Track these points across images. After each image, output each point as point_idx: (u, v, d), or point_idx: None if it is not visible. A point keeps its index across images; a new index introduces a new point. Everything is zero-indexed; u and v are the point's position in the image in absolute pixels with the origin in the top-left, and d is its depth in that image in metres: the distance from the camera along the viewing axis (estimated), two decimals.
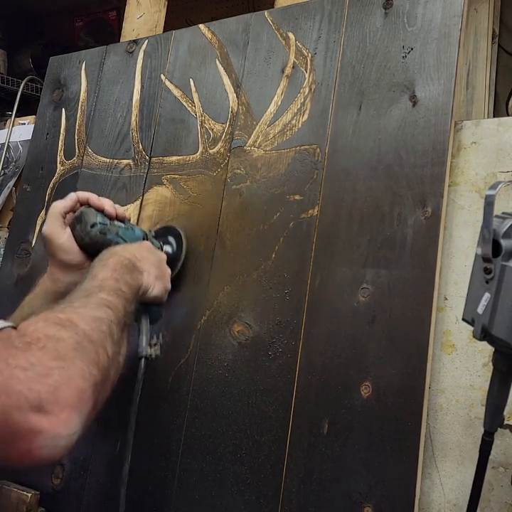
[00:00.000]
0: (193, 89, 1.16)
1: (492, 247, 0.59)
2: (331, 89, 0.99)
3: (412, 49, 0.93)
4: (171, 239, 1.06)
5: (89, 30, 2.39)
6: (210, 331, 1.01)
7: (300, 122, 1.01)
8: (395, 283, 0.87)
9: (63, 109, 1.35)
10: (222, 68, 1.13)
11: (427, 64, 0.91)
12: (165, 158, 1.16)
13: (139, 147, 1.21)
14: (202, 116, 1.13)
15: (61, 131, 1.34)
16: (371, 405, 0.85)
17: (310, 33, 1.04)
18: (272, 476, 0.90)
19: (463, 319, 0.65)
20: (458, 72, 0.89)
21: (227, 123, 1.10)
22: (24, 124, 1.68)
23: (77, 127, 1.32)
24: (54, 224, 0.92)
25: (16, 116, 1.72)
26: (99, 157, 1.26)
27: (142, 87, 1.24)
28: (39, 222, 1.31)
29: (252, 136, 1.06)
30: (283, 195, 1.00)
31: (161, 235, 1.06)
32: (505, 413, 0.66)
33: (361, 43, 0.98)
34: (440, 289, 0.87)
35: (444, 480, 0.84)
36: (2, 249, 1.44)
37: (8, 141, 1.67)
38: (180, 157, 1.14)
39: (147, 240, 1.01)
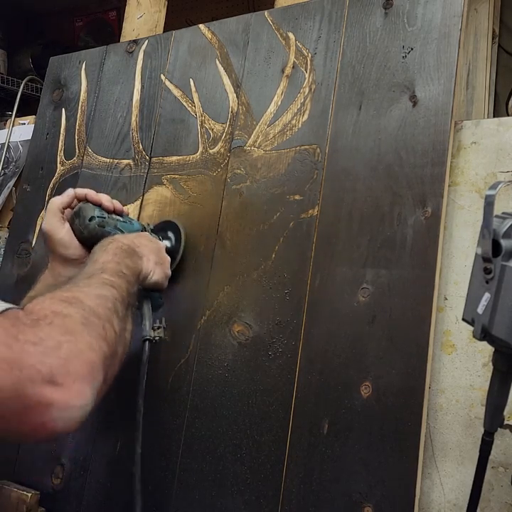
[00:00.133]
0: (193, 89, 1.16)
1: (492, 247, 0.59)
2: (331, 89, 0.99)
3: (412, 49, 0.93)
4: (169, 234, 1.07)
5: (89, 30, 2.39)
6: (210, 331, 1.01)
7: (300, 122, 1.01)
8: (395, 283, 0.87)
9: (63, 109, 1.35)
10: (222, 68, 1.13)
11: (427, 64, 0.91)
12: (165, 158, 1.16)
13: (139, 147, 1.21)
14: (202, 116, 1.13)
15: (61, 131, 1.34)
16: (371, 405, 0.85)
17: (310, 33, 1.04)
18: (272, 476, 0.90)
19: (463, 319, 0.65)
20: (458, 72, 0.89)
21: (227, 123, 1.10)
22: (24, 124, 1.68)
23: (77, 127, 1.32)
24: (53, 219, 0.93)
25: (16, 116, 1.72)
26: (100, 157, 1.26)
27: (142, 87, 1.24)
28: (39, 222, 1.31)
29: (252, 136, 1.06)
30: (283, 195, 1.00)
31: (160, 229, 1.07)
32: (505, 413, 0.66)
33: (361, 43, 0.98)
34: (440, 289, 0.87)
35: (444, 480, 0.84)
36: (2, 249, 1.44)
37: (8, 141, 1.67)
38: (181, 157, 1.14)
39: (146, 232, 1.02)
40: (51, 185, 1.32)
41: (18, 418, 0.54)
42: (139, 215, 1.16)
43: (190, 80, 1.17)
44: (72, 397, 0.56)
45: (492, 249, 0.59)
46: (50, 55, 1.47)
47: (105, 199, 0.96)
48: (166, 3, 1.37)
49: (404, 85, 0.93)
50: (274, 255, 0.98)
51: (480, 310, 0.60)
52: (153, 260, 0.92)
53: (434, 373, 0.86)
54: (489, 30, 1.25)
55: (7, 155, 1.66)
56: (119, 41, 1.38)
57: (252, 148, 1.05)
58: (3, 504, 1.09)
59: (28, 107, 1.88)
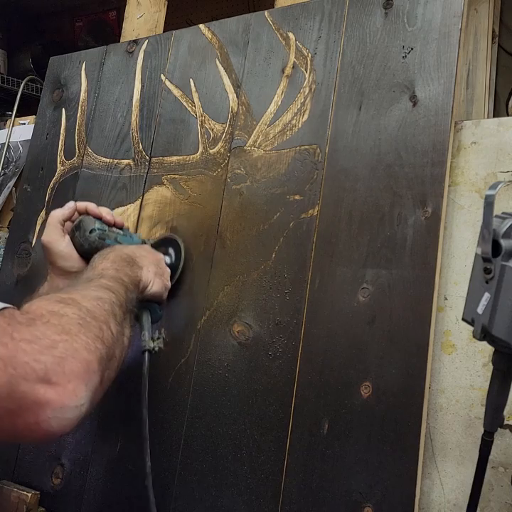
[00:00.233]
0: (193, 89, 1.16)
1: (492, 247, 0.59)
2: (331, 90, 0.99)
3: (412, 49, 0.93)
4: (170, 250, 1.06)
5: (89, 30, 2.39)
6: (210, 331, 1.01)
7: (300, 122, 1.01)
8: (395, 283, 0.87)
9: (63, 109, 1.35)
10: (223, 68, 1.13)
11: (427, 64, 0.91)
12: (165, 158, 1.16)
13: (139, 147, 1.21)
14: (202, 116, 1.13)
15: (61, 131, 1.34)
16: (371, 405, 0.85)
17: (310, 33, 1.04)
18: (272, 476, 0.90)
19: (463, 319, 0.65)
20: (458, 72, 0.89)
21: (227, 123, 1.10)
22: (24, 124, 1.68)
23: (77, 127, 1.32)
24: (53, 232, 0.93)
25: (16, 116, 1.72)
26: (100, 157, 1.26)
27: (142, 87, 1.24)
28: (39, 222, 1.31)
29: (252, 136, 1.06)
30: (283, 195, 1.00)
31: (160, 245, 1.06)
32: (505, 413, 0.66)
33: (361, 43, 0.98)
34: (440, 289, 0.87)
35: (444, 480, 0.84)
36: (2, 249, 1.44)
37: (8, 141, 1.67)
38: (181, 157, 1.14)
39: None
40: (51, 185, 1.32)
41: (12, 417, 0.53)
42: (139, 214, 1.16)
43: (190, 79, 1.17)
44: (67, 397, 0.55)
45: (492, 249, 0.59)
46: (50, 55, 1.46)
47: (106, 212, 0.97)
48: (166, 3, 1.37)
49: (405, 85, 0.93)
50: (274, 255, 0.98)
51: (480, 310, 0.60)
52: (153, 271, 0.92)
53: (434, 373, 0.86)
54: (489, 30, 1.25)
55: (7, 155, 1.66)
56: (119, 41, 1.38)
57: (252, 148, 1.05)
58: (3, 504, 1.09)
59: (28, 107, 1.88)
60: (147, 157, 1.19)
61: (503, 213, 0.61)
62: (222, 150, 1.09)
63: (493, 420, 0.66)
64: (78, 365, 0.57)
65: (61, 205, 1.28)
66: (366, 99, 0.96)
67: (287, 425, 0.90)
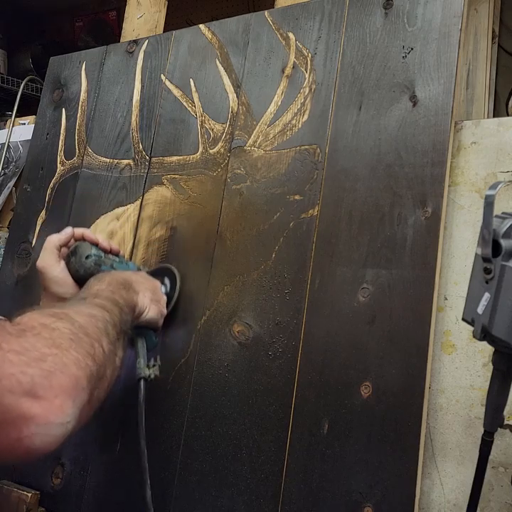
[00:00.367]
0: (193, 89, 1.16)
1: (492, 247, 0.59)
2: (331, 90, 0.99)
3: (412, 49, 0.93)
4: (166, 280, 1.05)
5: (89, 30, 2.39)
6: (210, 331, 1.01)
7: (300, 122, 1.01)
8: (395, 283, 0.87)
9: (63, 109, 1.35)
10: (223, 68, 1.13)
11: (427, 64, 0.91)
12: (165, 158, 1.16)
13: (139, 147, 1.21)
14: (202, 116, 1.13)
15: (61, 131, 1.34)
16: (371, 405, 0.85)
17: (310, 33, 1.04)
18: (272, 476, 0.90)
19: (463, 319, 0.65)
20: (458, 72, 0.89)
21: (227, 123, 1.10)
22: (24, 124, 1.68)
23: (77, 127, 1.32)
24: (49, 257, 0.92)
25: (16, 116, 1.72)
26: (100, 157, 1.26)
27: (142, 87, 1.24)
28: (39, 222, 1.31)
29: (252, 136, 1.06)
30: (283, 195, 1.00)
31: (156, 274, 1.05)
32: (505, 413, 0.66)
33: (361, 43, 0.98)
34: (440, 289, 0.87)
35: (444, 480, 0.84)
36: (2, 249, 1.44)
37: (8, 141, 1.67)
38: (181, 157, 1.14)
39: None
40: (51, 185, 1.32)
41: None
42: (139, 215, 1.16)
43: (190, 80, 1.17)
44: (53, 412, 0.53)
45: (492, 249, 0.59)
46: (50, 55, 1.47)
47: (102, 239, 0.97)
48: (166, 3, 1.37)
49: (405, 85, 0.93)
50: (274, 255, 0.98)
51: (480, 310, 0.60)
52: (150, 297, 0.90)
53: (434, 373, 0.86)
54: (489, 30, 1.25)
55: (7, 155, 1.66)
56: (119, 41, 1.38)
57: (252, 148, 1.05)
58: (3, 504, 1.09)
59: (28, 107, 1.88)
60: (147, 157, 1.19)
61: (503, 213, 0.61)
62: (222, 150, 1.09)
63: (493, 420, 0.66)
64: (66, 380, 0.55)
65: (61, 205, 1.29)
66: (366, 99, 0.96)
67: (287, 425, 0.90)
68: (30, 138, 1.43)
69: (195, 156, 1.12)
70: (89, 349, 0.61)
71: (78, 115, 1.32)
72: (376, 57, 0.96)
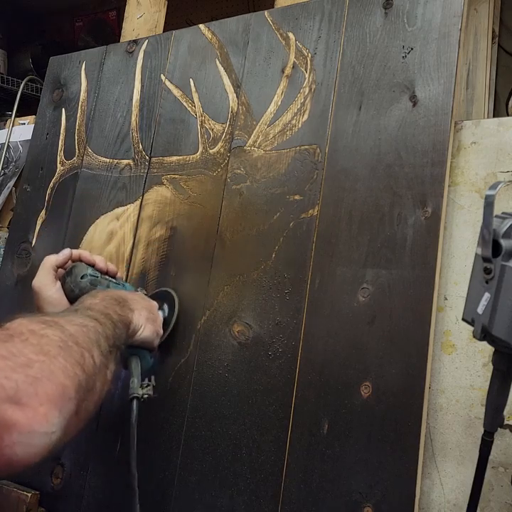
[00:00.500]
0: (193, 89, 1.16)
1: (492, 247, 0.59)
2: (331, 90, 0.99)
3: (412, 49, 0.93)
4: (164, 305, 1.04)
5: (89, 30, 2.39)
6: (210, 331, 1.01)
7: (300, 122, 1.01)
8: (395, 283, 0.87)
9: (63, 109, 1.35)
10: (222, 68, 1.13)
11: (427, 64, 0.91)
12: (165, 158, 1.16)
13: (139, 147, 1.21)
14: (202, 116, 1.13)
15: (61, 131, 1.34)
16: (371, 405, 0.85)
17: (310, 33, 1.04)
18: (272, 476, 0.90)
19: (463, 319, 0.65)
20: (458, 72, 0.89)
21: (227, 123, 1.10)
22: (24, 124, 1.68)
23: (77, 127, 1.32)
24: (45, 277, 0.91)
25: (16, 116, 1.72)
26: (100, 157, 1.26)
27: (142, 87, 1.24)
28: (39, 222, 1.31)
29: (252, 136, 1.06)
30: (283, 195, 1.00)
31: (154, 298, 1.03)
32: (505, 413, 0.66)
33: (361, 43, 0.98)
34: (440, 289, 0.87)
35: (444, 480, 0.84)
36: (2, 249, 1.44)
37: (8, 141, 1.67)
38: (180, 157, 1.14)
39: None
40: (51, 185, 1.32)
41: None
42: (139, 215, 1.16)
43: (190, 80, 1.17)
44: (37, 421, 0.50)
45: (492, 249, 0.59)
46: (50, 55, 1.46)
47: (99, 260, 0.96)
48: (166, 3, 1.37)
49: (404, 85, 0.93)
50: (274, 255, 0.98)
51: (480, 310, 0.60)
52: (145, 316, 0.89)
53: (434, 373, 0.86)
54: (489, 30, 1.25)
55: (7, 155, 1.66)
56: (119, 41, 1.38)
57: (252, 148, 1.05)
58: (3, 504, 1.09)
59: (28, 107, 1.88)
60: (147, 157, 1.19)
61: (503, 213, 0.61)
62: (222, 150, 1.09)
63: (493, 420, 0.66)
64: (53, 388, 0.53)
65: (61, 205, 1.29)
66: (366, 99, 0.96)
67: (287, 425, 0.90)
68: (30, 138, 1.43)
69: (195, 156, 1.12)
70: (78, 358, 0.59)
71: (78, 115, 1.32)
72: (376, 57, 0.96)
